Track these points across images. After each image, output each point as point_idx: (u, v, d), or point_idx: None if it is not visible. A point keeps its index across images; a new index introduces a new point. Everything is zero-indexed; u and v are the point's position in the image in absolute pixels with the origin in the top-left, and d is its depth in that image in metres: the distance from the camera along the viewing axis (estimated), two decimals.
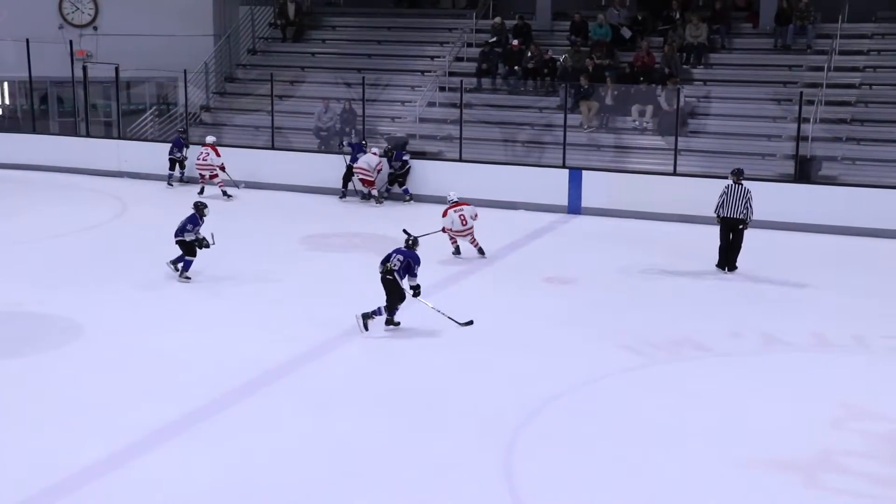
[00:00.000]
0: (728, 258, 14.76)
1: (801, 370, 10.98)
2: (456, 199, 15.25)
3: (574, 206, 18.81)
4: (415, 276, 11.70)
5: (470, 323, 12.02)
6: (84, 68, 23.31)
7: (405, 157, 20.00)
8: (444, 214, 15.24)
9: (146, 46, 23.62)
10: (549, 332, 12.10)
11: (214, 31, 25.68)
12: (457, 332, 11.93)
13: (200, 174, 20.14)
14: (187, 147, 20.98)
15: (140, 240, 16.28)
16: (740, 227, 14.59)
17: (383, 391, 10.23)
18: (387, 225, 17.72)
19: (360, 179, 19.64)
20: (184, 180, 20.86)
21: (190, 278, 13.87)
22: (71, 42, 23.90)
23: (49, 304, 13.02)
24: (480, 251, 15.34)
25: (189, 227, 13.80)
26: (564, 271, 14.76)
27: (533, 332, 12.07)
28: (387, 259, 11.72)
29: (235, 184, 20.31)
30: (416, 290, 11.79)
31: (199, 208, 14.06)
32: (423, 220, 17.51)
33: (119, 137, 23.38)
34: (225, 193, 19.94)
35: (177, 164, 20.93)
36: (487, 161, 19.98)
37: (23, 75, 23.49)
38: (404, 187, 19.88)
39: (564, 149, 19.36)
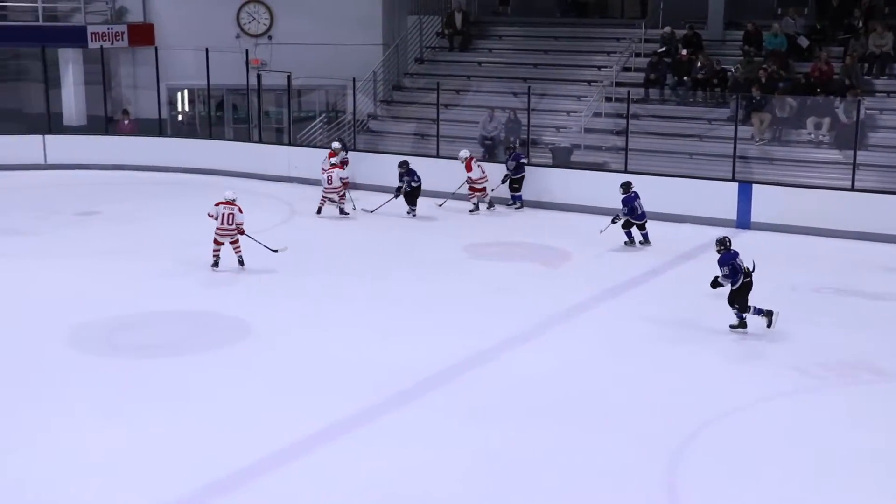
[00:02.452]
0: None
1: None
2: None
3: (743, 221, 18.21)
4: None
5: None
6: (258, 76, 24.04)
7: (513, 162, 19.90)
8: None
9: (317, 55, 24.18)
10: (715, 349, 11.76)
11: (383, 40, 26.07)
12: (616, 345, 11.74)
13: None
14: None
15: (304, 244, 16.54)
16: None
17: (542, 402, 10.13)
18: (543, 234, 17.61)
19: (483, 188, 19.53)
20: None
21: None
22: (247, 51, 24.67)
23: (219, 304, 13.45)
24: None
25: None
26: None
27: (698, 349, 11.75)
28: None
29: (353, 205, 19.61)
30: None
31: (627, 185, 16.05)
32: (577, 230, 17.33)
33: (290, 144, 24.01)
34: (328, 205, 19.23)
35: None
36: (654, 173, 19.54)
37: (201, 83, 24.40)
38: (518, 194, 19.74)
39: (734, 161, 18.81)
